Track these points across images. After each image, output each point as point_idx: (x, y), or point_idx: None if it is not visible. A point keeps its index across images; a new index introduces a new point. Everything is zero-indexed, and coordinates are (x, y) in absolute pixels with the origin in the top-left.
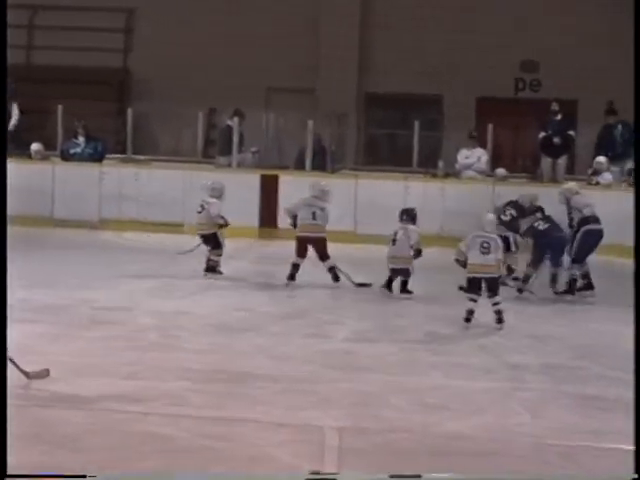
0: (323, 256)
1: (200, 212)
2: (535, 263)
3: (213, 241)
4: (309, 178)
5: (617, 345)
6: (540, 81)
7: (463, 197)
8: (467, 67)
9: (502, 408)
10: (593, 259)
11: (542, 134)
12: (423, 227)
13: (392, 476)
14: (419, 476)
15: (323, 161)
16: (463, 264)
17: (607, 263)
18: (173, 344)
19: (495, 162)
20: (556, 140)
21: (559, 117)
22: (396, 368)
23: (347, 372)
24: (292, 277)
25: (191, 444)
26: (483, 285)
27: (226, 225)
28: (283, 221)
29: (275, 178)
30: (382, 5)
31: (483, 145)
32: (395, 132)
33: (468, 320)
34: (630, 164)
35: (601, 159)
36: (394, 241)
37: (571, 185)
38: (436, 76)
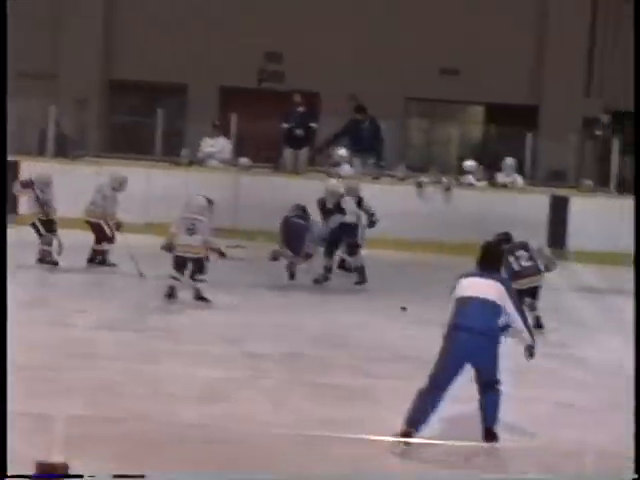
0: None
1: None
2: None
3: None
4: (49, 164)
5: (356, 335)
6: (283, 73)
7: (206, 186)
8: (211, 56)
9: (242, 397)
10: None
11: (285, 125)
12: (168, 215)
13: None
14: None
15: (64, 147)
16: (168, 248)
17: None
18: None
19: (239, 152)
20: (298, 132)
21: (301, 109)
22: (137, 356)
23: (89, 360)
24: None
25: None
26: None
27: None
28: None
29: (16, 164)
30: None
31: (227, 134)
32: (139, 120)
33: (170, 296)
34: (372, 159)
35: (342, 151)
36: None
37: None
38: (181, 65)
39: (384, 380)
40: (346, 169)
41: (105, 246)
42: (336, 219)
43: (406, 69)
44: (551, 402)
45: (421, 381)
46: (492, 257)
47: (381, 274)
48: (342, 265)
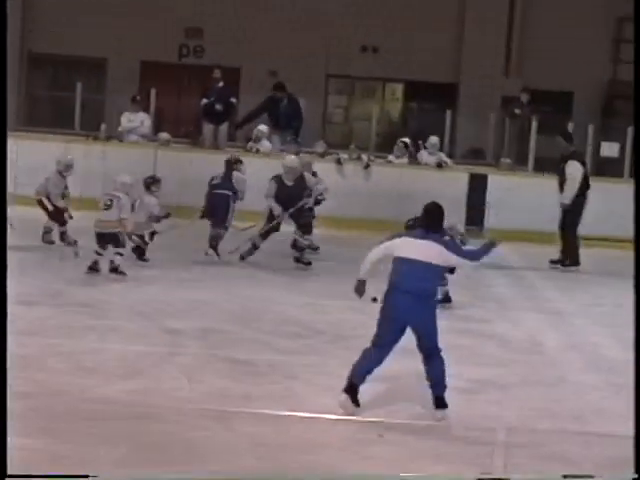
0: None
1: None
2: None
3: None
4: None
5: (268, 310)
6: (204, 47)
7: (125, 160)
8: (131, 31)
9: (158, 372)
10: None
11: (204, 101)
12: (86, 190)
13: None
14: None
15: None
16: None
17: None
18: None
19: (158, 127)
20: (218, 107)
21: (221, 84)
22: (54, 331)
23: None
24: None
25: None
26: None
27: None
28: None
29: None
30: None
31: (146, 109)
32: (58, 94)
33: (92, 269)
34: (291, 136)
35: (262, 127)
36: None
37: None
38: (101, 39)
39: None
40: (265, 145)
41: (53, 225)
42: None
43: (327, 46)
44: (467, 379)
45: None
46: (435, 218)
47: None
48: (295, 245)
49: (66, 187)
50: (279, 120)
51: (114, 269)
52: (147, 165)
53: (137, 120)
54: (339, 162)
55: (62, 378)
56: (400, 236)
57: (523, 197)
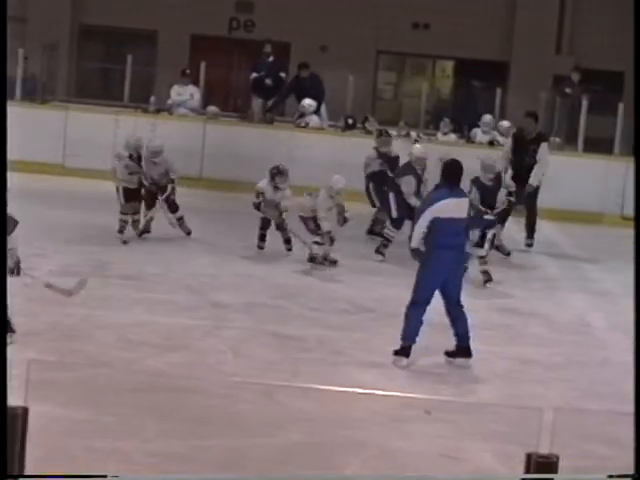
0: None
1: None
2: None
3: None
4: (17, 108)
5: (315, 286)
6: (254, 22)
7: (174, 133)
8: (182, 4)
9: (204, 345)
10: None
11: (254, 75)
12: None
13: None
14: None
15: (33, 91)
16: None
17: None
18: None
19: (207, 100)
20: (267, 81)
21: (271, 59)
22: (100, 303)
23: (50, 306)
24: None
25: None
26: None
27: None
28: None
29: None
30: None
31: (196, 83)
32: (109, 66)
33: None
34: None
35: (308, 102)
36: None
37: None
38: (152, 12)
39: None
40: (314, 119)
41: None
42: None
43: (378, 22)
44: (512, 358)
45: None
46: (455, 173)
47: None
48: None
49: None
50: (303, 98)
51: (314, 258)
52: (196, 139)
53: (186, 93)
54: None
55: (108, 350)
56: (434, 198)
57: (572, 177)
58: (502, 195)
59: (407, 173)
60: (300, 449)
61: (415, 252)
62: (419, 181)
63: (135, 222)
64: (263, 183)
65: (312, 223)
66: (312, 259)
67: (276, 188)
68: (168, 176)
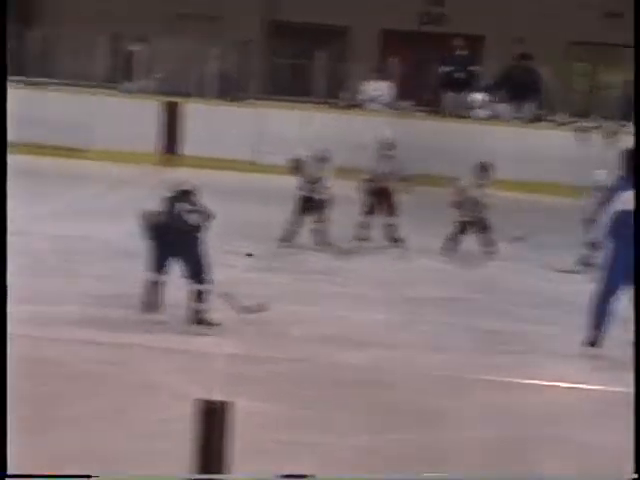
0: None
1: None
2: None
3: None
4: (211, 106)
5: (512, 280)
6: (445, 14)
7: (366, 129)
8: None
9: (399, 340)
10: None
11: (445, 69)
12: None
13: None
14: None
15: (227, 89)
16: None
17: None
18: (72, 269)
19: (399, 95)
20: (458, 75)
21: (463, 52)
22: (296, 298)
23: (248, 301)
24: None
25: (80, 369)
26: None
27: None
28: (184, 148)
29: (176, 105)
30: None
31: (388, 78)
32: (299, 62)
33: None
34: (531, 105)
35: (478, 96)
36: None
37: None
38: (343, 7)
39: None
40: (480, 114)
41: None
42: None
43: (571, 13)
44: None
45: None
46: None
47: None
48: None
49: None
50: (519, 90)
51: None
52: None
53: (379, 89)
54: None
55: (304, 344)
56: (623, 190)
57: None
58: None
59: None
60: (497, 444)
61: (599, 244)
62: None
63: None
64: (465, 180)
65: None
66: None
67: (480, 185)
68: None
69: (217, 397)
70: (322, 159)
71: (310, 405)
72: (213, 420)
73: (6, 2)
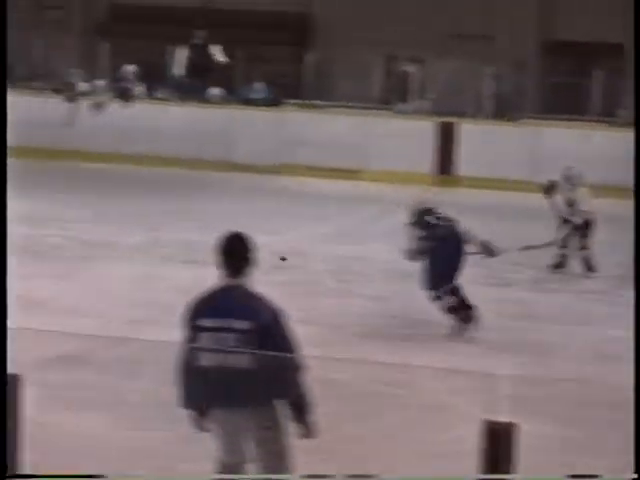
0: None
1: None
2: None
3: None
4: (486, 126)
5: None
6: None
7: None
8: None
9: None
10: None
11: None
12: (606, 177)
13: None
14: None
15: (502, 108)
16: None
17: None
18: (348, 289)
19: None
20: None
21: None
22: (572, 318)
23: (522, 321)
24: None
25: (366, 390)
26: None
27: None
28: (459, 169)
29: (451, 125)
30: None
31: None
32: (575, 81)
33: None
34: None
35: None
36: None
37: None
38: (620, 26)
39: None
40: None
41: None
42: None
43: None
44: None
45: None
46: None
47: None
48: None
49: None
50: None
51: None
52: None
53: None
54: None
55: (579, 365)
56: None
57: None
58: None
59: None
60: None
61: None
62: None
63: None
64: None
65: None
66: None
67: None
68: None
69: (503, 418)
70: (576, 181)
71: (582, 426)
72: (499, 441)
73: (6, 2)
